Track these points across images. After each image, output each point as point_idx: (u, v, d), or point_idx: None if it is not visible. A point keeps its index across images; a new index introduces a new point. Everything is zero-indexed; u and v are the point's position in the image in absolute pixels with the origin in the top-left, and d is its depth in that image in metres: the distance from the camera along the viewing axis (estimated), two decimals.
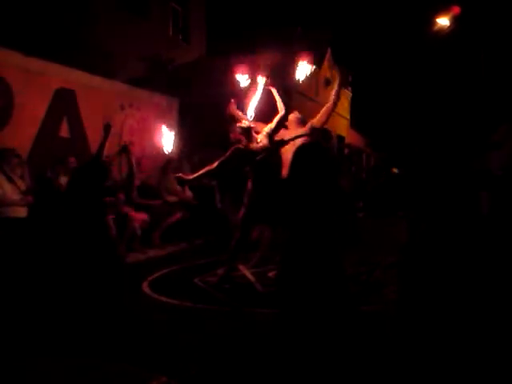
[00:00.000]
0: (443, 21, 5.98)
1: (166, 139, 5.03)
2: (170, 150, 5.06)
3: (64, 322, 3.92)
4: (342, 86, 4.95)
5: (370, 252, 7.16)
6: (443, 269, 3.54)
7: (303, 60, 5.17)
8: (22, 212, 5.30)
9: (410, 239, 3.82)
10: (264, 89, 5.19)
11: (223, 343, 3.69)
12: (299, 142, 4.74)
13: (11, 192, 5.23)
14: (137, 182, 8.15)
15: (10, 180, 5.28)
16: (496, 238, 3.92)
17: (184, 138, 11.19)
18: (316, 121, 5.28)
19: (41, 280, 4.52)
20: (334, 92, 5.36)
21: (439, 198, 3.77)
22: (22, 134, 6.97)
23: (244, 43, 13.60)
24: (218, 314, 4.51)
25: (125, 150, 5.13)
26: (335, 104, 5.31)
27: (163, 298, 4.93)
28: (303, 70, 5.23)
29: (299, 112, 5.57)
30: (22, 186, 5.43)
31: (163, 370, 3.17)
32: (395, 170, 13.08)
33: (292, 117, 5.39)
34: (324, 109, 5.34)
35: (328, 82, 18.62)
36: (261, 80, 5.14)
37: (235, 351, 3.52)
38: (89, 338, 3.65)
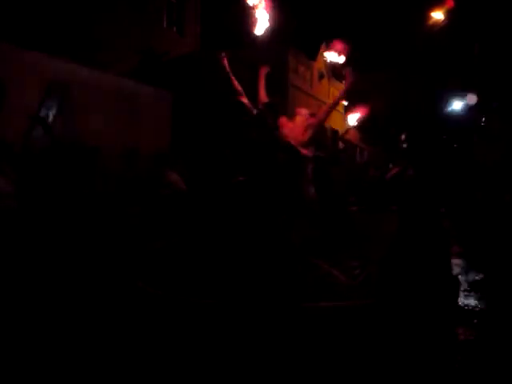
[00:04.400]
0: (437, 15, 5.98)
1: None
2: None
3: (58, 316, 3.92)
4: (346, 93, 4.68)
5: (363, 246, 7.18)
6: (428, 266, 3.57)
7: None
8: (14, 204, 5.27)
9: (400, 235, 3.83)
10: None
11: (220, 338, 3.69)
12: (300, 137, 4.66)
13: (4, 184, 5.19)
14: (131, 175, 8.15)
15: (2, 171, 5.25)
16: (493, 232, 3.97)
17: (177, 131, 11.18)
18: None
19: (34, 273, 4.51)
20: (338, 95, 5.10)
21: (435, 193, 3.78)
22: (15, 126, 6.92)
23: (238, 37, 13.54)
24: (214, 307, 4.50)
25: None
26: (333, 106, 5.04)
27: (158, 292, 4.92)
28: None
29: (295, 105, 5.53)
30: (14, 177, 5.39)
31: (158, 365, 3.18)
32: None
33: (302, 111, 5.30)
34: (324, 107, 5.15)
35: (322, 76, 18.60)
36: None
37: (231, 345, 3.51)
38: (83, 333, 3.66)
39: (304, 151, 4.11)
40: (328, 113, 4.55)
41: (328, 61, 4.72)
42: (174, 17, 15.01)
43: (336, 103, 4.70)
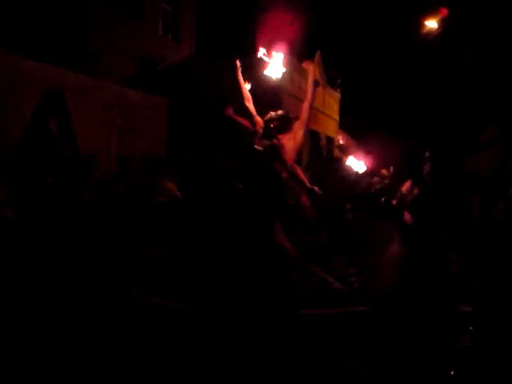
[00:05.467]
0: (431, 23, 6.03)
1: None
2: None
3: (53, 322, 3.90)
4: (315, 81, 4.79)
5: (359, 253, 7.18)
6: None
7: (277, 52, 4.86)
8: (8, 212, 5.24)
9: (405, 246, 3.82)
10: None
11: (213, 344, 3.68)
12: (292, 144, 4.67)
13: None
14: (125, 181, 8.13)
15: None
16: (488, 240, 3.96)
17: (173, 137, 11.19)
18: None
19: (29, 280, 4.48)
20: (308, 88, 5.14)
21: (432, 202, 3.79)
22: (11, 134, 6.90)
23: (233, 44, 13.59)
24: (207, 314, 4.49)
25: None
26: (311, 101, 5.01)
27: (152, 299, 4.90)
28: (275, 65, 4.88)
29: (291, 113, 5.53)
30: (8, 185, 5.37)
31: (152, 371, 3.16)
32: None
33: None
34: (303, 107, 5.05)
35: (318, 84, 18.64)
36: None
37: (224, 352, 3.50)
38: (77, 340, 3.63)
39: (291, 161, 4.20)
40: (309, 109, 4.66)
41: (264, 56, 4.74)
42: (169, 24, 15.05)
43: (312, 97, 4.79)
